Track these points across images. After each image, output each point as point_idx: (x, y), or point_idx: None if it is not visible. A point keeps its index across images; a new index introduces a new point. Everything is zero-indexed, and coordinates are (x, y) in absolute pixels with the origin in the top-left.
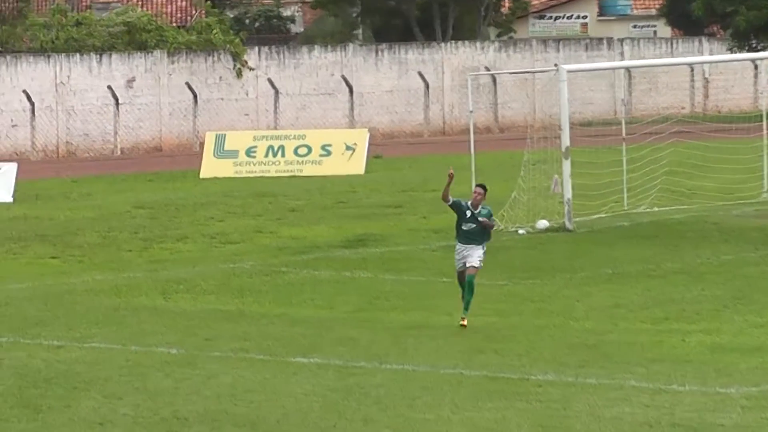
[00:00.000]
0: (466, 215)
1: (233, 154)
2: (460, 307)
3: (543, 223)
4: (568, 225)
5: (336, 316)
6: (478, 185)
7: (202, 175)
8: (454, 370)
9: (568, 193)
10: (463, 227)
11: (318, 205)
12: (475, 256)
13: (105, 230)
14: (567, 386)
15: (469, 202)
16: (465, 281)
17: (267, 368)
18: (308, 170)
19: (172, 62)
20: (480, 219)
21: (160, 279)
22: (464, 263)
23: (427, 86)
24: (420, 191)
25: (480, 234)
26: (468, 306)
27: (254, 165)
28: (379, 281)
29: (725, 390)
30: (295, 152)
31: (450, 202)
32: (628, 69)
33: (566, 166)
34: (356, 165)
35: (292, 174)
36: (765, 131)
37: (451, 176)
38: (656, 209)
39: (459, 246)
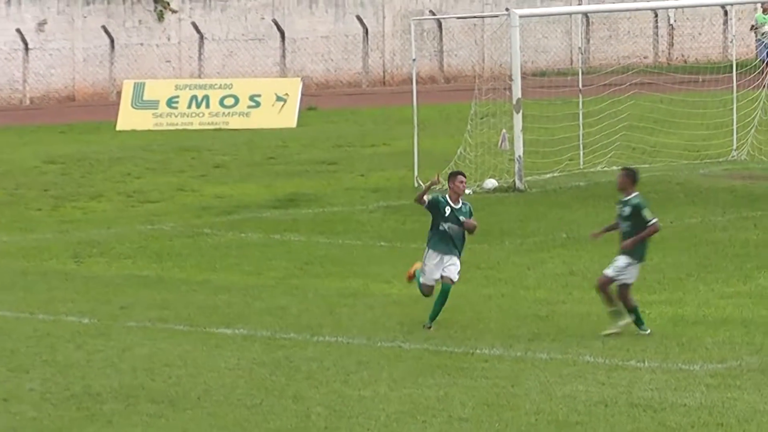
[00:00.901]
0: (445, 213)
1: (153, 104)
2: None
3: (491, 183)
4: (518, 184)
5: (264, 282)
6: (458, 173)
7: (118, 128)
8: (392, 343)
9: (519, 150)
10: (441, 227)
11: (245, 161)
12: (454, 268)
13: (12, 187)
14: (516, 361)
15: (447, 196)
16: (441, 291)
17: (188, 340)
18: (235, 123)
19: (87, 4)
20: (462, 219)
21: (72, 241)
22: (437, 277)
23: (366, 32)
24: (358, 146)
25: (460, 238)
26: (436, 315)
27: (176, 117)
28: (312, 245)
29: (688, 366)
30: (221, 103)
31: (426, 204)
32: (585, 14)
33: (517, 120)
34: (288, 117)
35: (217, 127)
36: (735, 83)
37: (434, 183)
38: (615, 168)
39: (432, 253)
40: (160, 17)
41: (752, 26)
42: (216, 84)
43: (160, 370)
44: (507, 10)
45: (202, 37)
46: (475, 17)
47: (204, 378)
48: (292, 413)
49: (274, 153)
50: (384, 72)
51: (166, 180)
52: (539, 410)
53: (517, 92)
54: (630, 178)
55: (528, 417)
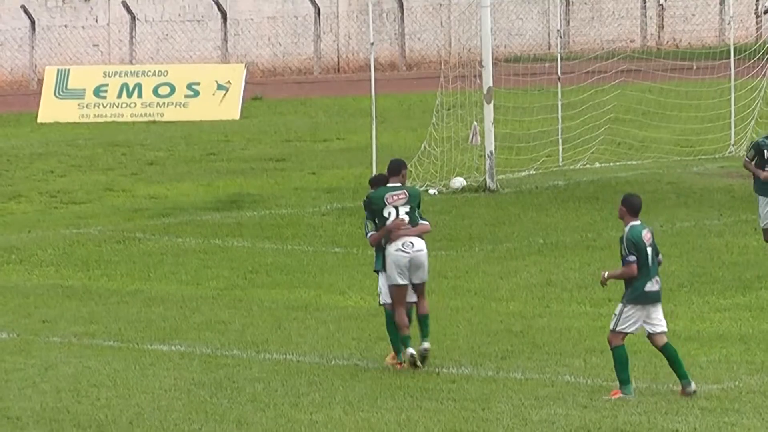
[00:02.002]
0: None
1: (79, 93)
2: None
3: (459, 181)
4: (490, 184)
5: (203, 293)
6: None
7: (40, 119)
8: (347, 361)
9: (491, 145)
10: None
11: (182, 158)
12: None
13: None
14: (487, 382)
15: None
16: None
17: (118, 357)
18: (171, 114)
19: None
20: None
21: None
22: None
23: (318, 12)
24: (308, 141)
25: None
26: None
27: (104, 107)
28: (257, 251)
29: (680, 388)
30: (155, 92)
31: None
32: None
33: (488, 111)
34: (230, 108)
35: (150, 119)
36: (732, 70)
37: (393, 228)
38: (598, 165)
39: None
40: None
41: (766, 9)
42: (149, 71)
43: (87, 392)
44: None
45: (133, 18)
46: None
47: (136, 400)
48: None
49: (214, 148)
50: (338, 57)
51: (94, 178)
52: None
53: (488, 80)
54: (626, 206)
55: None
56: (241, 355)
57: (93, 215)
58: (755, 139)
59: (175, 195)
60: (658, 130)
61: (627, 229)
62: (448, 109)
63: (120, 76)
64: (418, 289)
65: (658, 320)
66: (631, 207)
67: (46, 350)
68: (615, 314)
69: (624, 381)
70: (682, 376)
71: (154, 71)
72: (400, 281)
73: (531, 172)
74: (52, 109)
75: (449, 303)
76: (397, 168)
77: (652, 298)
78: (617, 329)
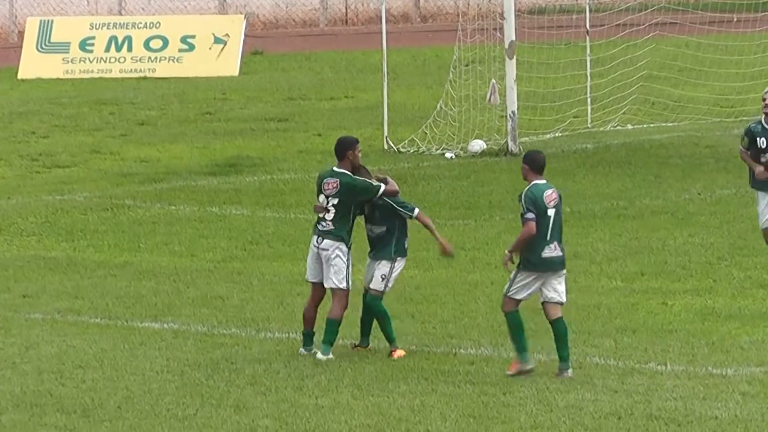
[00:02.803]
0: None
1: (63, 47)
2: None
3: (478, 144)
4: (511, 147)
5: (199, 266)
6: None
7: (20, 75)
8: (356, 341)
9: (513, 105)
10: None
11: (176, 118)
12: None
13: None
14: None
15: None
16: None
17: (105, 336)
18: (163, 70)
19: None
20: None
21: None
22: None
23: None
24: (314, 99)
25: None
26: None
27: (91, 62)
28: (258, 220)
29: (720, 370)
30: (147, 46)
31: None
32: None
33: (510, 67)
34: (228, 63)
35: (141, 75)
36: None
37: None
38: (630, 127)
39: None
40: None
41: None
42: (140, 22)
43: (72, 373)
44: None
45: None
46: None
47: (125, 382)
48: (234, 426)
49: (211, 107)
50: (346, 8)
51: (79, 140)
52: (537, 424)
53: (510, 33)
54: (527, 164)
55: None
56: (240, 334)
57: (78, 180)
58: (749, 124)
59: (168, 158)
60: (696, 89)
61: (528, 186)
62: (467, 65)
63: (108, 28)
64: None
65: (554, 289)
66: (534, 164)
67: (26, 328)
68: (510, 278)
69: (520, 349)
70: (562, 358)
71: (146, 23)
72: (307, 276)
73: (557, 135)
74: (33, 64)
75: (467, 277)
76: (341, 150)
77: (550, 265)
78: (509, 294)
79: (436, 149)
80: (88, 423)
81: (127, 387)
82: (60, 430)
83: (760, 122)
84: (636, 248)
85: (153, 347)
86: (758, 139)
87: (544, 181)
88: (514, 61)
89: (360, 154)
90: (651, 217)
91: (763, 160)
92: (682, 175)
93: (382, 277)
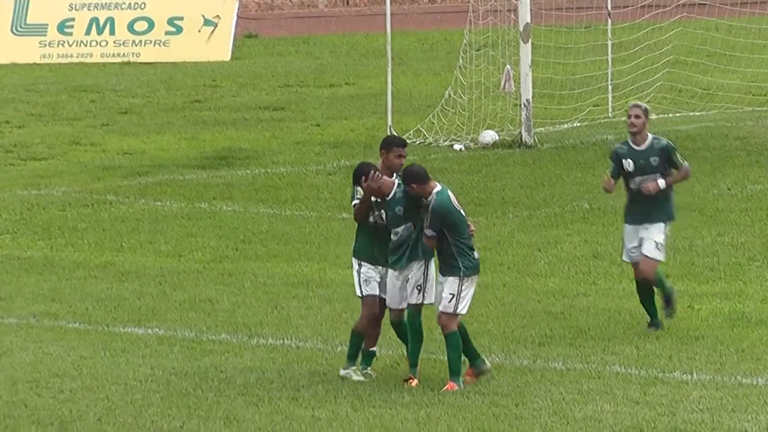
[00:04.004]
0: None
1: (40, 29)
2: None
3: (490, 135)
4: (526, 138)
5: (187, 267)
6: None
7: None
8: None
9: (527, 93)
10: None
11: (162, 106)
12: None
13: None
14: (522, 372)
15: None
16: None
17: (84, 342)
18: (149, 54)
19: None
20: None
21: None
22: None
23: None
24: (312, 86)
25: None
26: (415, 359)
27: (70, 46)
28: (250, 217)
29: (750, 380)
30: (131, 28)
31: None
32: None
33: (525, 52)
34: (219, 48)
35: (125, 60)
36: None
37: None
38: (655, 116)
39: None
40: None
41: None
42: (123, 3)
43: (48, 383)
44: None
45: None
46: None
47: (106, 393)
48: None
49: (200, 95)
50: None
51: (57, 130)
52: None
53: (525, 15)
54: (412, 179)
55: None
56: (231, 340)
57: (56, 174)
58: (614, 146)
59: (154, 150)
60: (726, 75)
61: (433, 196)
62: (478, 50)
63: (89, 9)
64: None
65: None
66: (418, 177)
67: (0, 334)
68: (450, 294)
69: (458, 371)
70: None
71: (129, 3)
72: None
73: (575, 125)
74: (7, 48)
75: (478, 279)
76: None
77: (478, 268)
78: (458, 311)
79: (444, 140)
80: None
81: (108, 397)
82: None
83: (627, 142)
84: None
85: (136, 354)
86: (624, 161)
87: (439, 186)
88: (529, 45)
89: (377, 178)
90: (677, 214)
91: (632, 185)
92: (711, 169)
93: (418, 288)
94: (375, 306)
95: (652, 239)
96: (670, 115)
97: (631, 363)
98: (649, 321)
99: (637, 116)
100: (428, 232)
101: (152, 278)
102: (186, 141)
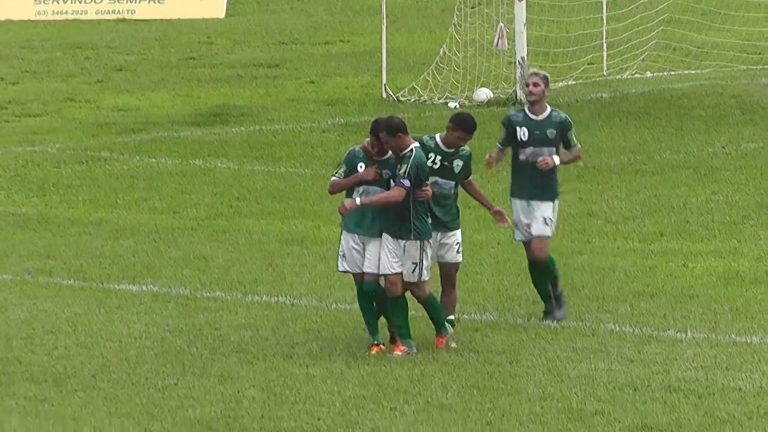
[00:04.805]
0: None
1: None
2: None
3: (484, 93)
4: (520, 96)
5: (181, 224)
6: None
7: None
8: (350, 305)
9: (522, 50)
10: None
11: (157, 63)
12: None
13: None
14: (515, 330)
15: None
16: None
17: (79, 299)
18: (144, 11)
19: None
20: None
21: None
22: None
23: None
24: (306, 44)
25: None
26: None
27: (64, 3)
28: (245, 174)
29: (744, 339)
30: None
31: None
32: None
33: (520, 9)
34: (214, 4)
35: (120, 16)
36: None
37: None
38: (649, 75)
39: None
40: None
41: None
42: None
43: (43, 339)
44: None
45: None
46: None
47: (100, 349)
48: (218, 397)
49: (195, 52)
50: None
51: (52, 87)
52: (546, 395)
53: None
54: (389, 131)
55: (531, 405)
56: (225, 297)
57: (50, 130)
58: (508, 112)
59: (148, 107)
60: (721, 34)
61: (413, 150)
62: (473, 7)
63: None
64: None
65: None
66: (402, 127)
67: None
68: (413, 264)
69: (408, 334)
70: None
71: None
72: None
73: (570, 83)
74: (2, 5)
75: (472, 237)
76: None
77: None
78: (423, 279)
79: (439, 98)
80: (60, 393)
81: (102, 354)
82: (29, 400)
83: (524, 110)
84: (655, 206)
85: (131, 311)
86: (519, 129)
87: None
88: (524, 2)
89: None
90: (671, 172)
91: (522, 156)
92: (706, 128)
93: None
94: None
95: (541, 216)
96: (665, 73)
97: (625, 321)
98: (544, 309)
99: (536, 84)
100: (405, 182)
101: (147, 235)
102: (180, 98)
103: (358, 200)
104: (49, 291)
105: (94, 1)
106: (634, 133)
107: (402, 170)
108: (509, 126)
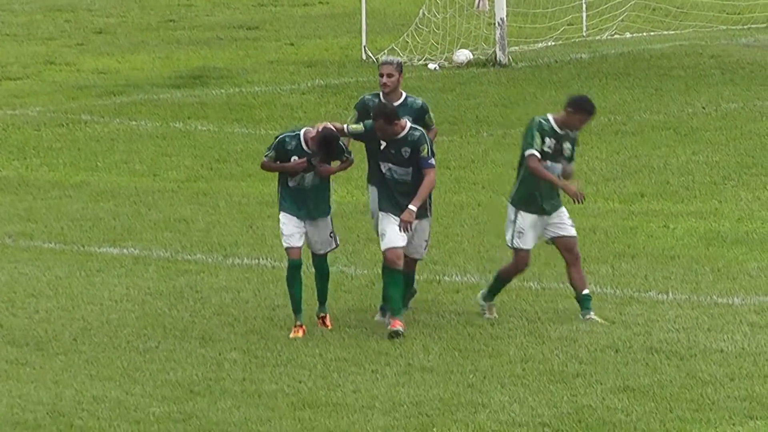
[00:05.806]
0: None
1: None
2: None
3: (464, 54)
4: (500, 57)
5: (161, 186)
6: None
7: None
8: (331, 267)
9: (502, 11)
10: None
11: (137, 25)
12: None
13: None
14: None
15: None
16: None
17: (60, 262)
18: None
19: None
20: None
21: None
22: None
23: None
24: (286, 5)
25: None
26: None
27: None
28: (225, 137)
29: (726, 300)
30: None
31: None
32: None
33: None
34: None
35: None
36: None
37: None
38: (629, 35)
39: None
40: None
41: None
42: None
43: (24, 303)
44: None
45: None
46: None
47: (81, 312)
48: (199, 360)
49: (174, 14)
50: None
51: (31, 50)
52: (527, 357)
53: None
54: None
55: (512, 366)
56: (206, 260)
57: (31, 93)
58: (363, 96)
59: (128, 69)
60: None
61: (410, 131)
62: None
63: None
64: None
65: None
66: (396, 115)
67: None
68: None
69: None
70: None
71: None
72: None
73: (549, 44)
74: None
75: (452, 198)
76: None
77: None
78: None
79: (419, 60)
80: (41, 356)
81: (83, 317)
82: (11, 363)
83: (378, 95)
84: (635, 167)
85: (111, 274)
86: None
87: None
88: None
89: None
90: (651, 133)
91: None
92: (685, 88)
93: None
94: (527, 258)
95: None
96: (644, 33)
97: (606, 282)
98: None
99: (390, 75)
100: (432, 161)
101: (127, 198)
102: (160, 60)
103: (413, 208)
104: (30, 254)
105: None
106: (613, 93)
107: (424, 152)
108: (362, 110)
